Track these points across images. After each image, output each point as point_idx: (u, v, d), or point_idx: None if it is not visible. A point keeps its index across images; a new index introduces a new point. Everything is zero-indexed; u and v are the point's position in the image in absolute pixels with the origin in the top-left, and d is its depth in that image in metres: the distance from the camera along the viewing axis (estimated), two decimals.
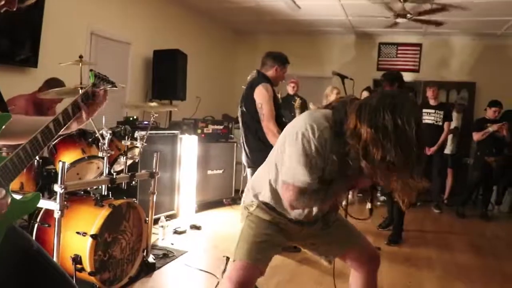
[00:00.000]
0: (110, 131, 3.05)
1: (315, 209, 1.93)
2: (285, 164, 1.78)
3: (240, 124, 3.99)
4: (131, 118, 4.68)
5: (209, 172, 5.76)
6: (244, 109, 3.87)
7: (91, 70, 1.61)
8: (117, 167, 3.47)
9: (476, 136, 6.24)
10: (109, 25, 5.48)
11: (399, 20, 6.18)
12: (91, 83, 1.57)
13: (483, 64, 7.99)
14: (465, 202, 6.44)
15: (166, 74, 6.04)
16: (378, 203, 6.85)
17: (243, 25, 8.38)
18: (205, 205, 5.69)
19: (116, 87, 1.91)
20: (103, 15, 5.35)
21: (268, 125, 3.60)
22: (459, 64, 8.16)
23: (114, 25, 5.56)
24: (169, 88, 6.04)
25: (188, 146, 5.32)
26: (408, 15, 6.06)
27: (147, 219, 3.39)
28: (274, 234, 1.96)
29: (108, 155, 3.06)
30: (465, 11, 6.21)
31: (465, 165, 7.45)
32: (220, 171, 5.91)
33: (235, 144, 6.11)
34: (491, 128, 6.14)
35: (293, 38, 8.50)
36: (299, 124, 1.73)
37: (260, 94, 3.68)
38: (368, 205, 6.51)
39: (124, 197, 3.20)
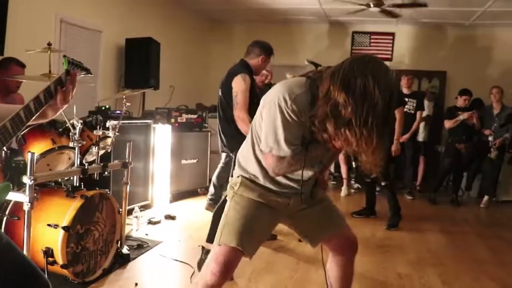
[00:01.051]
0: (81, 121, 2.98)
1: (305, 174, 1.86)
2: (263, 134, 1.77)
3: (217, 109, 3.99)
4: (103, 108, 4.59)
5: (183, 161, 5.71)
6: (221, 95, 3.86)
7: (64, 56, 1.56)
8: (89, 158, 3.41)
9: (448, 123, 6.37)
10: (79, 12, 5.33)
11: (372, 8, 6.21)
12: (65, 69, 1.52)
13: (453, 53, 8.15)
14: (437, 188, 6.58)
15: (138, 63, 5.92)
16: (352, 191, 6.94)
17: (217, 13, 8.30)
18: (179, 195, 5.65)
19: (91, 73, 1.87)
20: (72, 2, 5.20)
21: (239, 114, 3.59)
22: (430, 53, 8.28)
23: (84, 12, 5.41)
24: (141, 77, 5.93)
25: (162, 135, 5.26)
26: (382, 5, 6.10)
27: (120, 210, 3.35)
28: (262, 214, 1.93)
29: (79, 145, 2.99)
30: (435, 2, 6.29)
31: (437, 152, 7.61)
32: (194, 161, 5.87)
33: (209, 134, 6.08)
34: (462, 116, 6.29)
35: (268, 27, 8.46)
36: (273, 93, 1.71)
37: (238, 84, 3.66)
38: (344, 191, 6.59)
39: (97, 188, 3.14)
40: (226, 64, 4.02)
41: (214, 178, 4.71)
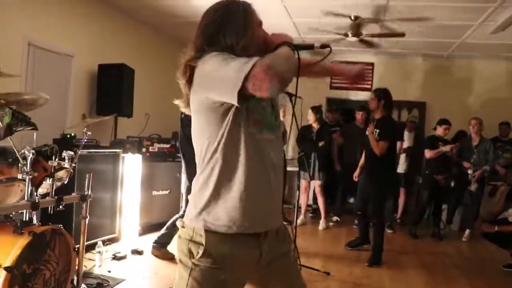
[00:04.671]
0: (33, 151, 2.75)
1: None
2: (219, 85, 1.42)
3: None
4: (68, 136, 4.36)
5: (155, 192, 5.46)
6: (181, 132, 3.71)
7: (10, 108, 1.36)
8: (42, 190, 3.16)
9: (429, 154, 6.26)
10: (49, 36, 5.14)
11: (350, 38, 6.17)
12: (7, 123, 1.31)
13: (432, 84, 8.15)
14: (417, 221, 6.43)
15: (111, 90, 5.73)
16: (331, 224, 6.74)
17: None
18: (150, 228, 5.38)
19: (36, 129, 1.67)
20: (42, 25, 5.01)
21: None
22: (410, 83, 8.27)
23: (55, 36, 5.23)
24: (114, 104, 5.74)
25: (131, 165, 5.03)
26: (359, 33, 6.06)
27: (77, 246, 3.10)
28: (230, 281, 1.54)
29: (31, 176, 2.75)
30: (414, 33, 6.29)
31: (418, 183, 7.49)
32: (166, 192, 5.63)
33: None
34: (445, 148, 6.18)
35: None
36: (196, 71, 1.52)
37: None
38: (322, 224, 6.39)
39: (50, 223, 2.89)
40: None
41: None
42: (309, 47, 1.65)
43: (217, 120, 1.50)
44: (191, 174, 3.69)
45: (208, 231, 1.50)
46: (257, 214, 1.55)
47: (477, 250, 5.78)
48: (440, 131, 6.39)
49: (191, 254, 1.51)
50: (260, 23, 1.67)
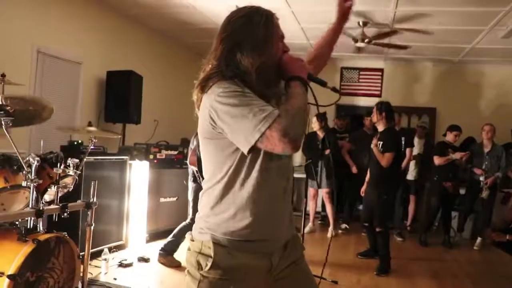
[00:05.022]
0: (38, 158, 2.75)
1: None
2: (237, 133, 1.41)
3: (195, 147, 3.81)
4: (75, 143, 4.37)
5: (162, 199, 5.45)
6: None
7: None
8: (48, 197, 3.16)
9: (438, 160, 6.17)
10: (58, 43, 5.17)
11: (359, 44, 6.13)
12: None
13: (443, 89, 8.07)
14: (427, 229, 6.34)
15: (119, 96, 5.75)
16: (340, 231, 6.67)
17: (204, 47, 8.10)
18: (157, 235, 5.36)
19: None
20: (51, 32, 5.05)
21: None
22: (420, 89, 8.21)
23: (64, 43, 5.26)
24: (123, 111, 5.76)
25: (138, 172, 5.03)
26: (367, 39, 6.02)
27: (82, 253, 3.09)
28: None
29: (35, 184, 2.75)
30: (424, 36, 6.23)
31: (427, 190, 7.39)
32: (174, 199, 5.61)
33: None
34: (455, 156, 6.09)
35: None
36: (209, 98, 1.47)
37: None
38: (330, 232, 6.33)
39: (55, 231, 2.89)
40: None
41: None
42: (321, 83, 1.72)
43: (226, 152, 1.51)
44: None
45: (216, 244, 1.50)
46: (267, 230, 1.55)
47: (488, 259, 5.67)
48: (450, 137, 6.30)
49: (199, 266, 1.51)
50: (282, 36, 1.64)
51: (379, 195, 4.84)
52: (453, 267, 5.17)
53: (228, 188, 1.51)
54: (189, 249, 1.58)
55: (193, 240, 1.57)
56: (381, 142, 4.85)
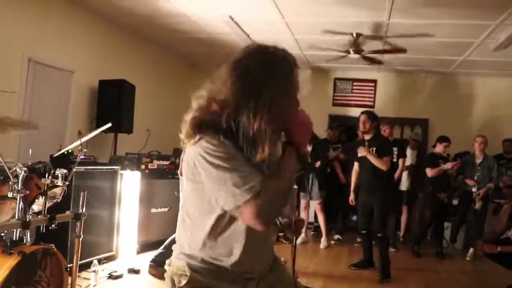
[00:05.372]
0: (26, 168, 2.71)
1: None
2: (217, 195, 1.38)
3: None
4: (65, 152, 4.31)
5: (153, 210, 5.39)
6: None
7: None
8: (36, 208, 3.11)
9: (430, 172, 6.17)
10: (50, 51, 5.14)
11: (352, 55, 6.15)
12: None
13: (435, 101, 8.11)
14: (420, 240, 6.32)
15: (111, 106, 5.72)
16: (332, 242, 6.64)
17: (196, 57, 8.20)
18: (148, 246, 5.29)
19: None
20: (42, 40, 5.01)
21: None
22: (412, 100, 8.23)
23: (56, 52, 5.23)
24: (114, 120, 5.70)
25: (129, 182, 4.98)
26: (361, 50, 6.05)
27: (71, 265, 3.03)
28: None
29: (22, 195, 2.70)
30: (416, 48, 6.26)
31: (421, 201, 7.38)
32: (165, 209, 5.55)
33: (183, 181, 5.79)
34: (446, 166, 6.11)
35: None
36: (195, 150, 1.40)
37: None
38: (323, 243, 6.29)
39: (41, 242, 2.84)
40: None
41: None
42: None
43: (209, 205, 1.45)
44: None
45: (192, 270, 1.49)
46: (247, 265, 1.52)
47: (481, 270, 5.65)
48: (439, 148, 6.34)
49: (173, 285, 1.50)
50: (298, 87, 1.50)
51: (378, 203, 4.88)
52: (446, 278, 5.16)
53: (209, 228, 1.46)
54: (166, 274, 1.56)
55: (169, 265, 1.56)
56: (374, 148, 4.91)
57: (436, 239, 6.38)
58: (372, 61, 6.60)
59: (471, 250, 6.20)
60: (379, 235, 4.89)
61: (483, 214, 6.30)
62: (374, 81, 8.42)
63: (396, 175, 6.19)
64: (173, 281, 1.50)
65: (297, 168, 1.48)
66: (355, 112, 8.43)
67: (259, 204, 1.31)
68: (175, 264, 1.53)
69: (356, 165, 5.41)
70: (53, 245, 2.85)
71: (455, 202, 6.55)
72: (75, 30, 5.51)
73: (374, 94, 8.40)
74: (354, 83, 8.50)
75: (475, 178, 6.25)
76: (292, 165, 1.45)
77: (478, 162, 6.33)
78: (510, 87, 7.81)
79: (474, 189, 6.20)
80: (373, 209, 4.94)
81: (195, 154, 1.39)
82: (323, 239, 6.37)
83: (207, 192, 1.40)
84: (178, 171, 4.54)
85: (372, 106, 8.33)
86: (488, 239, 5.01)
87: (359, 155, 5.09)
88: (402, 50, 6.01)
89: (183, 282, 1.46)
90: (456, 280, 5.11)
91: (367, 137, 5.00)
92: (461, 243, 6.80)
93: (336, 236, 6.86)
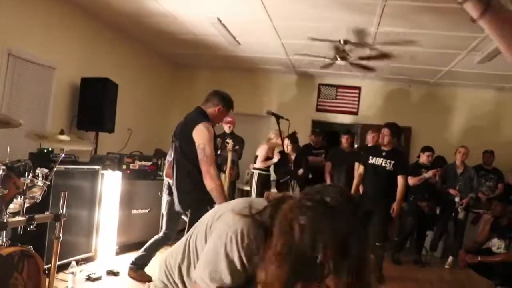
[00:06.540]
0: (4, 167, 2.60)
1: None
2: (201, 260, 1.45)
3: (172, 160, 3.69)
4: (45, 150, 4.19)
5: (134, 211, 5.28)
6: (178, 146, 3.58)
7: None
8: (16, 207, 2.99)
9: (412, 181, 6.21)
10: (31, 46, 4.99)
11: (339, 62, 6.15)
12: None
13: (418, 110, 8.18)
14: (400, 248, 6.35)
15: (93, 104, 5.59)
16: None
17: (182, 57, 8.12)
18: (127, 247, 5.19)
19: None
20: (23, 35, 4.86)
21: (209, 169, 3.34)
22: (396, 108, 8.28)
23: (37, 47, 5.08)
24: (96, 118, 5.61)
25: (110, 182, 4.87)
26: (348, 57, 6.06)
27: (47, 267, 2.93)
28: None
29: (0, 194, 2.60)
30: (402, 57, 6.31)
31: (402, 210, 7.42)
32: (146, 211, 5.45)
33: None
34: (427, 174, 6.17)
35: (233, 75, 8.34)
36: (233, 224, 1.38)
37: (202, 134, 3.41)
38: None
39: (19, 244, 2.73)
40: (188, 109, 3.77)
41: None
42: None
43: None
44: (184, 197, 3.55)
45: None
46: None
47: (459, 278, 5.70)
48: (423, 158, 6.42)
49: None
50: None
51: (386, 209, 5.03)
52: (425, 286, 5.18)
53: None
54: None
55: None
56: (392, 162, 5.06)
57: (416, 247, 6.42)
58: (363, 67, 6.61)
59: (450, 258, 6.26)
60: (378, 244, 4.99)
61: (464, 223, 6.39)
62: (359, 88, 8.45)
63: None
64: None
65: None
66: (339, 118, 8.49)
67: None
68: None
69: (361, 169, 5.41)
70: (31, 247, 2.75)
71: (438, 211, 6.60)
72: (58, 26, 5.37)
73: (358, 100, 8.44)
74: (339, 89, 8.52)
75: (457, 188, 6.33)
76: None
77: (459, 172, 6.41)
78: (491, 99, 7.95)
79: (457, 199, 6.27)
80: (371, 218, 4.96)
81: (232, 228, 1.38)
82: None
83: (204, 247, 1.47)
84: (164, 173, 4.45)
85: (356, 113, 8.39)
86: (469, 248, 5.07)
87: (370, 161, 5.19)
88: (386, 56, 6.06)
89: None
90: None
91: (385, 148, 5.13)
92: (440, 251, 6.86)
93: None
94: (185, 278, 1.57)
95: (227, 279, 1.36)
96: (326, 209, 1.20)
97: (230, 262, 1.34)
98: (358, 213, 1.24)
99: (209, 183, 3.30)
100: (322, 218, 1.19)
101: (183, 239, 1.63)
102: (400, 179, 5.05)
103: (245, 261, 1.34)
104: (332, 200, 1.21)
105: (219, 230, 1.41)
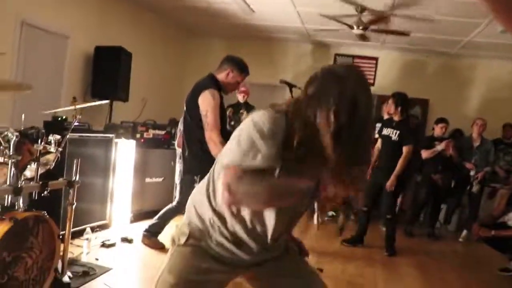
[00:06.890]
0: (17, 133, 2.62)
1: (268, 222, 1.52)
2: (227, 147, 1.50)
3: (182, 128, 3.71)
4: (59, 118, 4.22)
5: (148, 180, 5.33)
6: (186, 112, 3.59)
7: None
8: (28, 174, 3.04)
9: (425, 154, 6.14)
10: (44, 15, 4.98)
11: (355, 30, 6.00)
12: None
13: (436, 81, 7.99)
14: (413, 221, 6.33)
15: (107, 73, 5.61)
16: (326, 218, 6.63)
17: (196, 26, 8.02)
18: (141, 215, 5.26)
19: None
20: (36, 3, 4.85)
21: (211, 135, 3.36)
22: (413, 80, 8.11)
23: (50, 15, 5.07)
24: (110, 88, 5.61)
25: (124, 151, 4.90)
26: (362, 26, 5.89)
27: (62, 233, 2.98)
28: (214, 269, 1.57)
29: (13, 160, 2.62)
30: (421, 27, 6.13)
31: (416, 182, 7.37)
32: (160, 179, 5.50)
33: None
34: (439, 147, 6.06)
35: (248, 43, 8.22)
36: (247, 120, 1.48)
37: (206, 101, 3.40)
38: (315, 219, 6.28)
39: (34, 209, 2.78)
40: None
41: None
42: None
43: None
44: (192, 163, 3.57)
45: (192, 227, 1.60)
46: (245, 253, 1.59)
47: (473, 252, 5.69)
48: (437, 130, 6.29)
49: (174, 242, 1.62)
50: None
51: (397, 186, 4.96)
52: (438, 259, 5.18)
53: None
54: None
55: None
56: (398, 132, 4.96)
57: (430, 220, 6.39)
58: (383, 32, 6.41)
59: (464, 232, 6.23)
60: (388, 217, 5.01)
61: (479, 197, 6.32)
62: (376, 59, 8.28)
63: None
64: (173, 239, 1.62)
65: (284, 201, 1.47)
66: None
67: (236, 175, 1.36)
68: (181, 228, 1.63)
69: (379, 142, 5.35)
70: (45, 212, 2.79)
71: (453, 185, 6.52)
72: None
73: (375, 71, 8.28)
74: (355, 60, 8.36)
75: (472, 161, 6.22)
76: (284, 193, 1.44)
77: (475, 145, 6.30)
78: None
79: (472, 173, 6.17)
80: (382, 190, 4.97)
81: (247, 120, 1.47)
82: (315, 215, 6.35)
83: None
84: (176, 142, 4.47)
85: (372, 84, 8.23)
86: (485, 222, 5.02)
87: (383, 133, 5.13)
88: (406, 33, 5.90)
89: (183, 239, 1.58)
90: (449, 261, 5.14)
91: (396, 118, 5.05)
92: (454, 225, 6.82)
93: (330, 212, 6.85)
94: (212, 201, 1.56)
95: (261, 150, 1.36)
96: (334, 76, 1.43)
97: (259, 131, 1.38)
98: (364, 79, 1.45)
99: (213, 149, 3.32)
100: (330, 79, 1.43)
101: (207, 175, 1.64)
102: (404, 149, 4.92)
103: (274, 130, 1.38)
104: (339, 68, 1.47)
105: (239, 129, 1.47)
